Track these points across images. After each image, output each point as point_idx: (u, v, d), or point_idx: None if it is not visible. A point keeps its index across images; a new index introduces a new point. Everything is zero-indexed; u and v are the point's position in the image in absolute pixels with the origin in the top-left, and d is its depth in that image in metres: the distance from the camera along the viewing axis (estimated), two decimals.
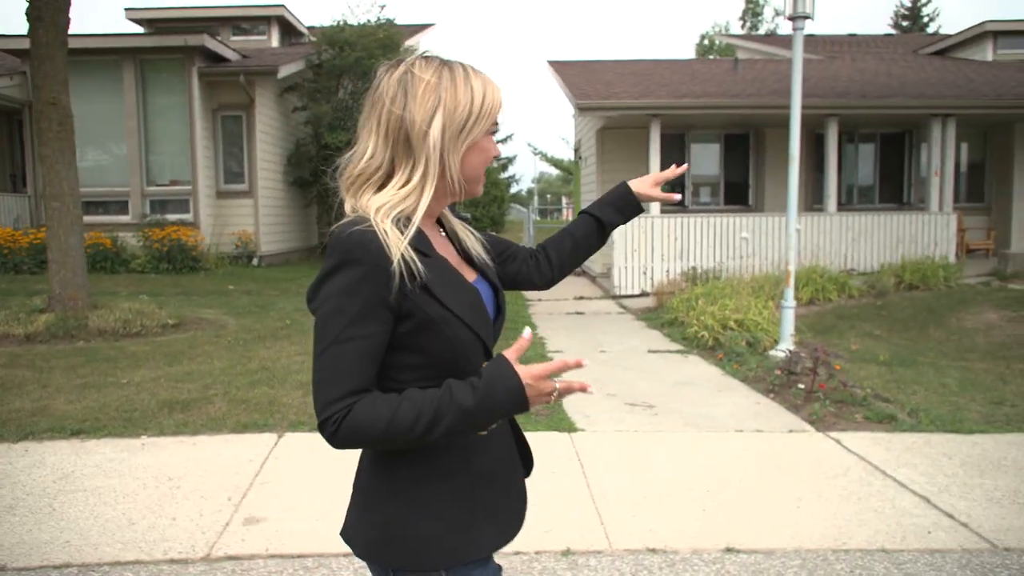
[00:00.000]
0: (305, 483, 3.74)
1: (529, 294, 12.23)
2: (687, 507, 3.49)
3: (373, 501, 1.25)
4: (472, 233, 1.42)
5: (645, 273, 11.54)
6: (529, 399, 1.14)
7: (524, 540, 2.95)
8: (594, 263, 13.82)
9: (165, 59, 12.57)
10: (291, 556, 3.00)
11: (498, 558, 1.46)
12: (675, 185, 14.02)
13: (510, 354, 1.15)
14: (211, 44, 12.43)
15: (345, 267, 1.14)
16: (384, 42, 15.06)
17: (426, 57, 1.26)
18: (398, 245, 1.15)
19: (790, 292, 6.78)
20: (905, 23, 34.71)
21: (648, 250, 11.57)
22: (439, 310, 1.19)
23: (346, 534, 1.30)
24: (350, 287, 1.14)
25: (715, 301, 8.05)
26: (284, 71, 13.16)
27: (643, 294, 11.36)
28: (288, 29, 17.43)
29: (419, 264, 1.17)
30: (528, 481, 1.45)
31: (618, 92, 12.20)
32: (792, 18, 6.61)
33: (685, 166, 1.69)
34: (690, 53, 31.64)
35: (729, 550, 3.07)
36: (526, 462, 1.45)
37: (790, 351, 6.43)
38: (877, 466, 4.06)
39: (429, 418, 1.11)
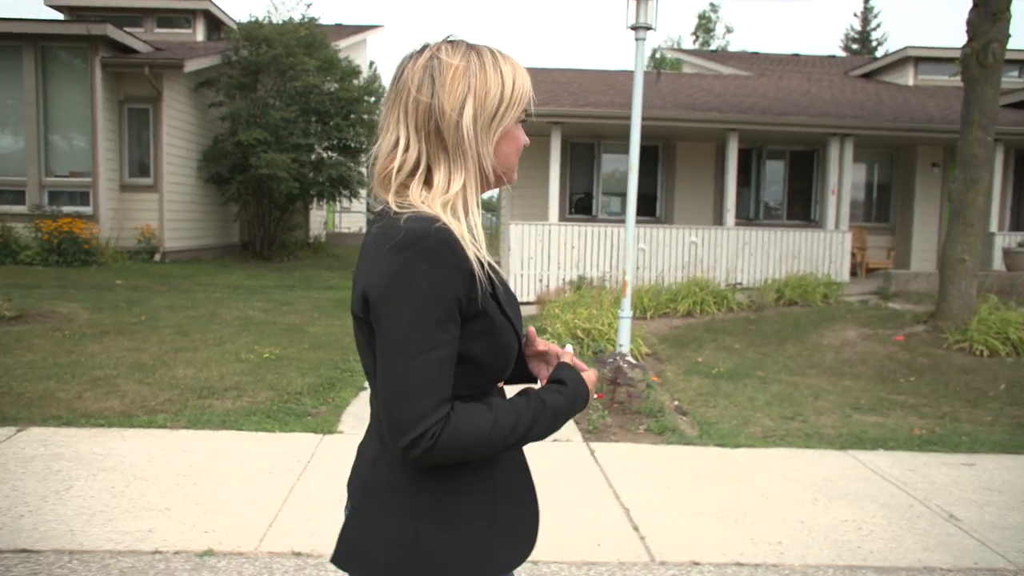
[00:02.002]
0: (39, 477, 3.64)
1: None
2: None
3: (396, 519, 1.18)
4: None
5: (541, 281, 11.53)
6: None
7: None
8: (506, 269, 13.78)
9: (67, 47, 12.36)
10: None
11: None
12: (586, 195, 14.07)
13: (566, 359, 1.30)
14: (115, 34, 12.24)
15: (428, 266, 1.08)
16: (306, 40, 14.97)
17: (451, 41, 1.20)
18: (474, 247, 1.12)
19: (627, 303, 6.77)
20: (855, 46, 35.24)
21: (544, 258, 11.57)
22: (500, 316, 1.18)
23: (351, 558, 1.21)
24: (435, 289, 1.08)
25: (573, 310, 8.04)
26: (192, 65, 13.00)
27: (537, 302, 11.34)
28: (216, 23, 17.26)
29: (495, 269, 1.17)
30: None
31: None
32: (634, 28, 6.62)
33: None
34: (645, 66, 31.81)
35: None
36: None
37: (616, 361, 6.41)
38: (608, 476, 4.04)
39: (528, 422, 1.14)
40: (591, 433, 4.85)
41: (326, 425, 4.69)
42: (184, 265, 13.41)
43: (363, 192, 19.19)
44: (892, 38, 36.72)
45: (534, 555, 3.08)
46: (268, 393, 5.41)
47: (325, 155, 16.04)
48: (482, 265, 1.13)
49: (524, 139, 1.25)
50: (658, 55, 29.67)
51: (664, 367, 7.09)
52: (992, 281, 11.18)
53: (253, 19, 15.02)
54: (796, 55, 24.55)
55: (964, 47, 7.78)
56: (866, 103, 13.62)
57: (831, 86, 15.95)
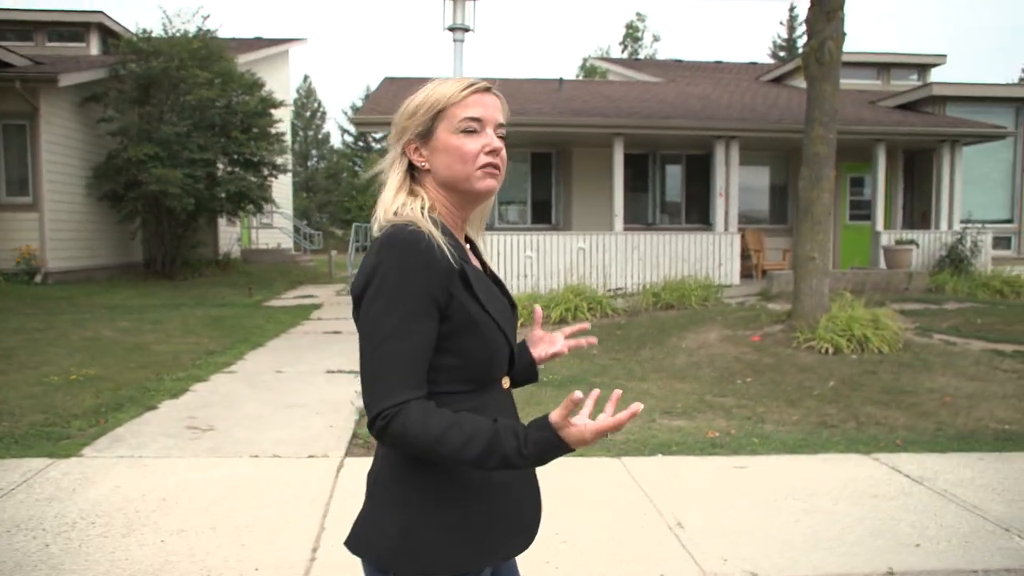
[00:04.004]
0: None
1: (322, 311, 11.89)
2: None
3: (392, 510, 1.26)
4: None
5: None
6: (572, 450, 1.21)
7: None
8: None
9: None
10: None
11: None
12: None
13: (557, 417, 1.18)
14: None
15: (397, 264, 1.19)
16: (198, 53, 14.63)
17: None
18: (448, 248, 1.22)
19: None
20: (782, 53, 35.81)
21: None
22: (479, 311, 1.25)
23: (358, 543, 1.29)
24: (404, 284, 1.18)
25: None
26: (69, 80, 12.60)
27: None
28: (112, 37, 16.82)
29: (465, 265, 1.25)
30: None
31: None
32: (452, 29, 6.49)
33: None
34: (574, 75, 32.22)
35: None
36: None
37: None
38: (335, 492, 3.82)
39: (476, 452, 1.16)
40: (362, 447, 4.63)
41: (69, 449, 4.41)
42: (68, 286, 12.94)
43: (269, 207, 18.83)
44: None
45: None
46: (38, 416, 5.10)
47: (227, 170, 15.68)
48: (456, 264, 1.22)
49: (465, 148, 1.30)
50: (588, 64, 29.81)
51: None
52: (873, 278, 11.27)
53: (143, 32, 14.64)
54: (719, 62, 24.82)
55: (804, 46, 7.79)
56: (759, 106, 13.70)
57: (735, 91, 16.07)
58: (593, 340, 1.65)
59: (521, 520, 1.36)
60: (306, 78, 47.82)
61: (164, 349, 8.07)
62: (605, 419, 1.19)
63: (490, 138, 1.32)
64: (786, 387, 6.46)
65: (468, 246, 1.41)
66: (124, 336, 8.81)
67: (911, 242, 11.87)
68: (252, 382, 6.53)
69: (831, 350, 7.39)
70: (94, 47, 16.13)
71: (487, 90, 1.34)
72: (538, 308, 1.56)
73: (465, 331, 1.23)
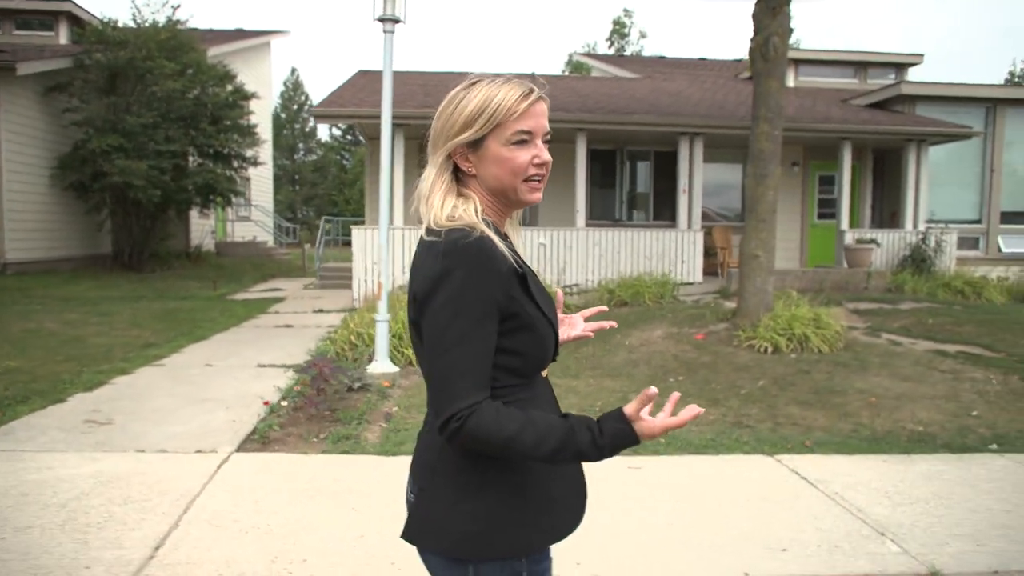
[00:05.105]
0: None
1: (283, 305, 11.78)
2: None
3: (459, 499, 1.30)
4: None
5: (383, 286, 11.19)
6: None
7: None
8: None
9: None
10: None
11: None
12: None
13: (631, 411, 1.25)
14: None
15: (465, 270, 1.22)
16: (167, 44, 14.51)
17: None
18: (509, 251, 1.27)
19: (383, 306, 6.51)
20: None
21: (389, 262, 11.24)
22: (535, 311, 1.30)
23: (424, 536, 1.33)
24: (472, 290, 1.22)
25: (364, 314, 7.75)
26: (28, 68, 12.48)
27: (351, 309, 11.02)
28: (81, 26, 16.68)
29: (525, 267, 1.31)
30: None
31: (367, 101, 11.91)
32: (382, 20, 6.38)
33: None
34: (561, 70, 32.05)
35: None
36: None
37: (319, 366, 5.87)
38: (207, 489, 3.73)
39: (550, 448, 1.22)
40: (256, 442, 4.54)
41: None
42: (28, 277, 12.85)
43: (238, 200, 18.71)
44: (804, 43, 37.20)
45: None
46: None
47: (196, 162, 15.57)
48: (518, 267, 1.27)
49: (518, 160, 1.31)
50: (574, 60, 29.69)
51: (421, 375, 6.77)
52: (833, 277, 11.19)
53: (109, 20, 14.51)
54: (702, 59, 24.71)
55: (750, 41, 7.69)
56: (728, 103, 13.60)
57: (709, 88, 15.96)
58: (614, 324, 1.73)
59: (576, 502, 1.43)
60: (293, 71, 47.71)
61: (101, 342, 7.98)
62: (671, 418, 1.27)
63: (539, 149, 1.34)
64: (716, 386, 6.38)
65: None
66: (65, 328, 8.72)
67: (872, 241, 11.77)
68: (176, 376, 6.43)
69: (770, 349, 7.31)
70: (63, 36, 16.01)
71: (540, 98, 1.35)
72: (560, 292, 1.59)
73: (523, 330, 1.28)
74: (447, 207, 1.31)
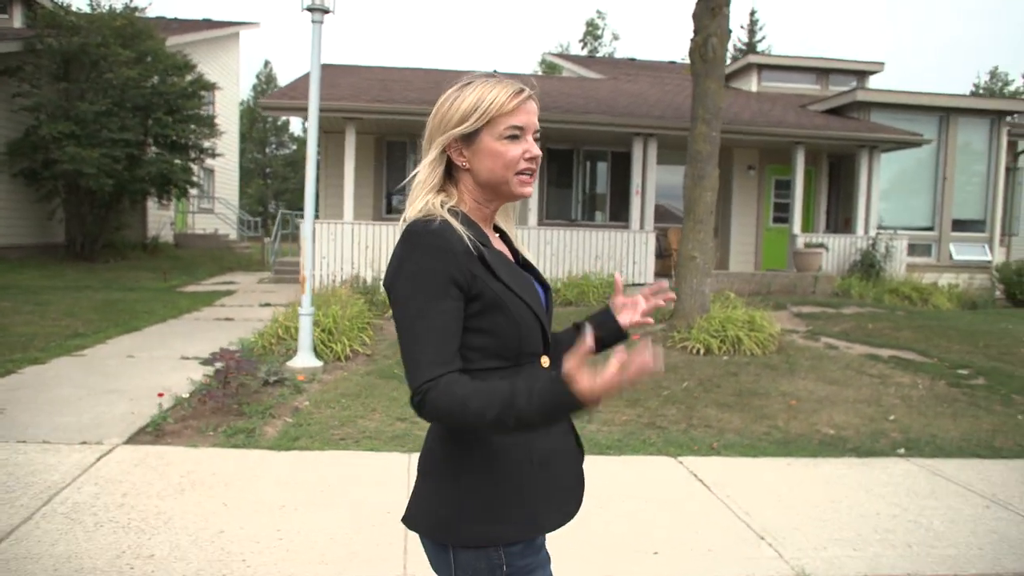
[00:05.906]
0: None
1: (232, 298, 11.61)
2: None
3: (439, 484, 1.35)
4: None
5: (334, 280, 11.09)
6: (588, 406, 1.16)
7: None
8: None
9: None
10: None
11: None
12: (389, 195, 13.69)
13: (567, 367, 1.14)
14: None
15: (420, 251, 1.28)
16: (123, 31, 14.24)
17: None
18: (467, 235, 1.30)
19: (307, 299, 6.39)
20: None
21: (338, 257, 11.14)
22: (503, 289, 1.31)
23: (413, 519, 1.38)
24: (421, 268, 1.27)
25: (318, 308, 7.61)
26: None
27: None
28: (34, 10, 16.34)
29: (484, 248, 1.33)
30: None
31: (323, 94, 11.74)
32: (311, 10, 6.27)
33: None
34: (533, 70, 32.00)
35: None
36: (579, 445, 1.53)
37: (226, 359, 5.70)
38: (74, 484, 3.61)
39: (495, 415, 1.19)
40: (149, 435, 4.42)
41: None
42: None
43: (195, 191, 18.45)
44: (776, 48, 37.50)
45: None
46: None
47: (154, 151, 15.30)
48: (475, 249, 1.30)
49: (508, 154, 1.37)
50: (546, 60, 29.66)
51: (347, 370, 6.62)
52: (780, 280, 11.22)
53: (62, 4, 14.22)
54: (672, 62, 24.80)
55: (690, 42, 7.67)
56: (684, 105, 13.56)
57: (670, 90, 15.97)
58: (672, 295, 1.69)
59: (559, 496, 1.41)
60: (267, 63, 47.24)
61: (25, 331, 7.78)
62: (612, 371, 1.11)
63: (531, 145, 1.40)
64: (641, 387, 6.33)
65: (498, 235, 1.49)
66: None
67: (820, 245, 11.83)
68: (91, 367, 6.28)
69: (702, 350, 7.29)
70: (17, 19, 15.68)
71: (530, 97, 1.40)
72: (618, 275, 1.61)
73: (493, 309, 1.30)
74: (423, 202, 1.36)
